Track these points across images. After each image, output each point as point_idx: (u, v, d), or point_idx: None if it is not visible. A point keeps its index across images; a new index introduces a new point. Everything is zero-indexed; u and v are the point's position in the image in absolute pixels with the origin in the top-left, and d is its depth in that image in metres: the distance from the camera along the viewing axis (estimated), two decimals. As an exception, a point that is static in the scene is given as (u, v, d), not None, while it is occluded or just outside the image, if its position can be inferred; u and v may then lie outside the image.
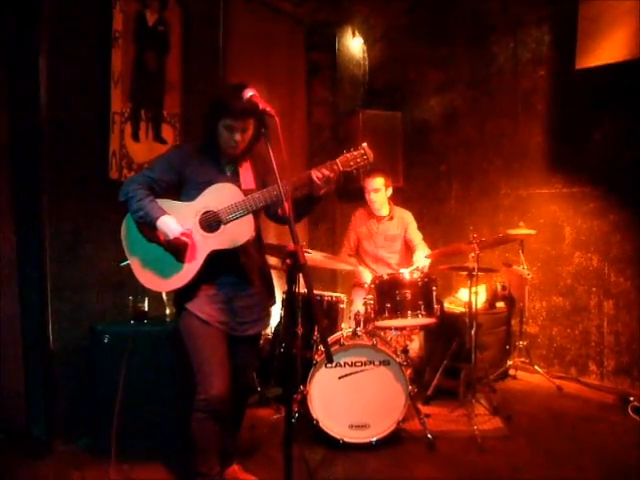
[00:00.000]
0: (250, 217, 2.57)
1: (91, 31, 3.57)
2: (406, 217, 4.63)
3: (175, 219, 2.54)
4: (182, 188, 2.67)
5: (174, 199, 2.66)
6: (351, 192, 5.28)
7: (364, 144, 2.63)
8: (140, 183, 2.61)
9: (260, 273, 2.80)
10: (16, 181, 3.47)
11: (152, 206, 2.55)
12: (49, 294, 3.38)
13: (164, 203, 2.61)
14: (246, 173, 2.70)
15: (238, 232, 2.56)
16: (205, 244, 2.57)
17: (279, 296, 4.46)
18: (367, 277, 4.41)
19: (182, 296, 2.67)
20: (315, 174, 2.56)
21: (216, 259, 2.57)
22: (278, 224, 3.02)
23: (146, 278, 2.63)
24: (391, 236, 4.59)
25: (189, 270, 2.57)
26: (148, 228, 2.58)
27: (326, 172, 2.57)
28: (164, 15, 4.00)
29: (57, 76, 3.38)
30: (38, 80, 3.31)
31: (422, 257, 4.30)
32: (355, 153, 2.61)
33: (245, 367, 2.89)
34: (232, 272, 2.67)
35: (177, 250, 2.54)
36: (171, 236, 2.50)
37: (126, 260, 2.66)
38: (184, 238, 2.50)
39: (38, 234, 3.38)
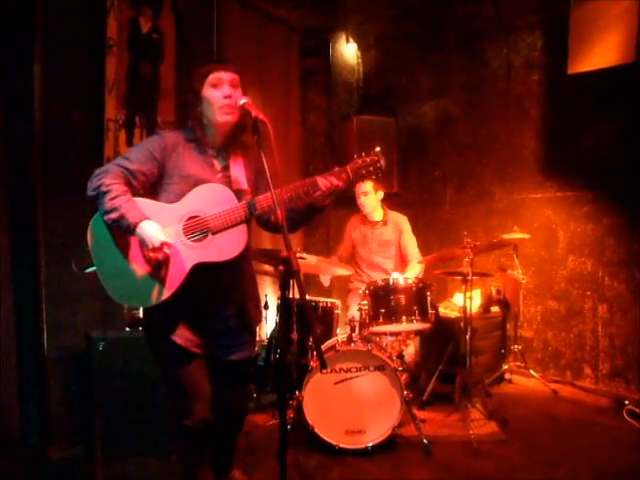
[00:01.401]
0: (243, 227, 2.25)
1: (85, 38, 3.58)
2: (400, 222, 4.63)
3: (157, 225, 2.17)
4: (161, 183, 2.32)
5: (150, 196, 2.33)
6: (346, 198, 5.29)
7: (377, 149, 2.34)
8: (116, 176, 2.21)
9: (247, 290, 2.47)
10: (10, 188, 3.46)
11: (130, 207, 2.15)
12: (44, 301, 3.37)
13: (142, 203, 2.23)
14: (238, 170, 2.37)
15: (228, 244, 2.22)
16: (189, 255, 2.21)
17: (274, 302, 4.47)
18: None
19: (154, 315, 2.33)
20: (322, 182, 2.27)
21: (198, 273, 2.22)
22: (270, 233, 2.70)
23: (118, 292, 2.26)
24: (385, 241, 4.59)
25: (169, 284, 2.20)
26: (121, 233, 2.20)
27: (335, 181, 2.27)
28: (158, 22, 4.01)
29: (51, 83, 3.38)
30: (32, 87, 3.31)
31: (414, 271, 4.32)
32: (368, 160, 2.31)
33: (234, 396, 2.55)
34: (215, 289, 2.32)
35: (155, 262, 2.18)
36: (150, 246, 2.13)
37: (91, 266, 2.28)
38: (166, 249, 2.14)
39: (32, 241, 3.37)
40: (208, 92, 2.28)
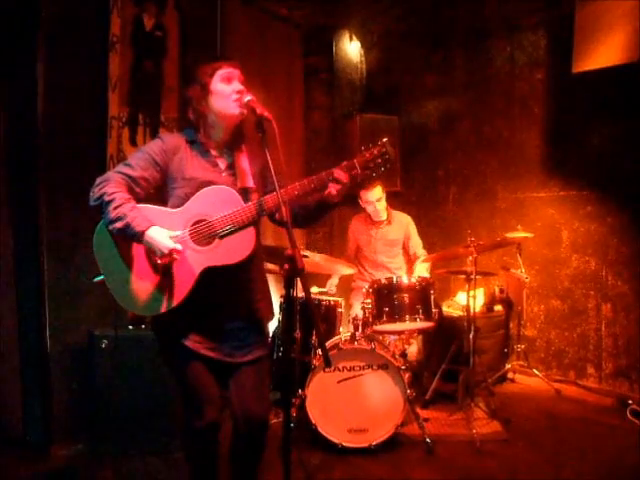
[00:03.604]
0: (252, 228, 2.19)
1: (89, 36, 3.58)
2: (405, 221, 4.63)
3: (164, 230, 2.12)
4: (167, 189, 2.27)
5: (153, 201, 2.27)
6: (349, 196, 5.28)
7: (385, 139, 2.26)
8: (118, 184, 2.15)
9: (258, 290, 2.39)
10: (13, 186, 3.46)
11: (135, 215, 2.09)
12: (46, 299, 3.37)
13: (146, 210, 2.17)
14: (243, 168, 2.31)
15: (237, 246, 2.16)
16: (197, 260, 2.15)
17: (277, 300, 4.47)
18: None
19: (163, 319, 2.24)
20: (330, 176, 2.23)
21: (207, 276, 2.17)
22: (280, 227, 2.52)
23: (127, 301, 2.21)
24: (390, 241, 4.58)
25: (178, 291, 2.15)
26: (126, 241, 2.15)
27: (342, 175, 2.22)
28: (162, 20, 4.01)
29: (54, 80, 3.38)
30: (36, 84, 3.32)
31: (422, 271, 4.30)
32: (375, 151, 2.24)
33: (252, 398, 2.33)
34: (225, 291, 2.25)
35: (165, 269, 2.15)
36: (158, 253, 2.09)
37: (100, 275, 2.24)
38: (176, 255, 2.10)
39: (35, 239, 3.37)
40: (219, 86, 2.24)
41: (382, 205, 4.49)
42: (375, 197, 4.44)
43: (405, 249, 4.62)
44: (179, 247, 2.10)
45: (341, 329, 4.02)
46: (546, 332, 4.99)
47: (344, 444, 3.41)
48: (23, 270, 3.46)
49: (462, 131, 5.52)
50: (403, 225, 4.61)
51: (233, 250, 2.17)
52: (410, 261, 4.60)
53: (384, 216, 4.57)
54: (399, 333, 3.95)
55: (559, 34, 4.74)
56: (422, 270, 4.30)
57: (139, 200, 2.20)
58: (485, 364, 4.46)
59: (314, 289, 4.52)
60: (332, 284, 4.56)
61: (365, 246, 4.63)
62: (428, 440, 3.47)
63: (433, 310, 3.74)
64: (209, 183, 2.22)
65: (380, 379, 3.47)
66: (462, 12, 5.42)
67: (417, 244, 4.60)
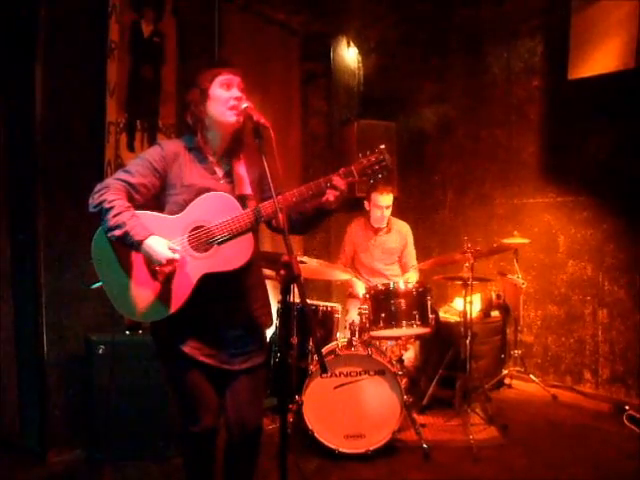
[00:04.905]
0: (249, 236, 2.20)
1: (87, 41, 3.59)
2: (404, 231, 4.63)
3: (163, 240, 2.11)
4: (165, 195, 2.27)
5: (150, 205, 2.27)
6: (346, 201, 5.29)
7: (382, 146, 2.29)
8: (117, 191, 2.15)
9: (256, 297, 2.38)
10: (11, 190, 3.47)
11: (134, 224, 2.09)
12: (44, 304, 3.37)
13: (145, 217, 2.17)
14: (241, 175, 2.31)
15: (235, 253, 2.17)
16: (196, 267, 2.16)
17: (274, 306, 4.46)
18: (360, 289, 4.34)
19: (162, 325, 2.24)
20: (327, 183, 2.24)
21: (205, 282, 2.16)
22: (277, 234, 2.44)
23: (126, 307, 2.19)
24: (389, 249, 4.58)
25: (177, 298, 2.15)
26: (125, 249, 2.15)
27: (340, 182, 2.24)
28: (160, 26, 4.02)
29: (53, 86, 3.39)
30: (34, 89, 3.33)
31: (413, 279, 4.32)
32: (372, 158, 2.27)
33: (247, 406, 2.34)
34: (223, 297, 2.24)
35: (163, 277, 2.14)
36: (156, 262, 2.08)
37: (98, 281, 2.22)
38: (174, 264, 2.11)
39: (33, 244, 3.37)
40: (218, 92, 2.25)
41: (388, 213, 4.49)
42: (386, 203, 4.42)
43: (399, 257, 4.62)
44: (177, 257, 2.10)
45: (338, 335, 4.02)
46: (543, 338, 5.00)
47: (341, 450, 3.41)
48: (20, 276, 3.46)
49: (459, 137, 5.54)
50: (402, 234, 4.61)
51: (231, 257, 2.18)
52: (402, 268, 4.61)
53: (384, 224, 4.57)
54: (396, 339, 3.95)
55: (555, 41, 4.77)
56: (412, 279, 4.31)
57: (138, 207, 2.20)
58: (482, 370, 4.46)
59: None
60: (361, 287, 4.43)
61: (362, 252, 4.62)
62: (425, 446, 3.47)
63: (430, 316, 3.74)
64: (207, 190, 2.22)
65: (377, 385, 3.48)
66: (459, 18, 5.45)
67: (411, 254, 4.60)
